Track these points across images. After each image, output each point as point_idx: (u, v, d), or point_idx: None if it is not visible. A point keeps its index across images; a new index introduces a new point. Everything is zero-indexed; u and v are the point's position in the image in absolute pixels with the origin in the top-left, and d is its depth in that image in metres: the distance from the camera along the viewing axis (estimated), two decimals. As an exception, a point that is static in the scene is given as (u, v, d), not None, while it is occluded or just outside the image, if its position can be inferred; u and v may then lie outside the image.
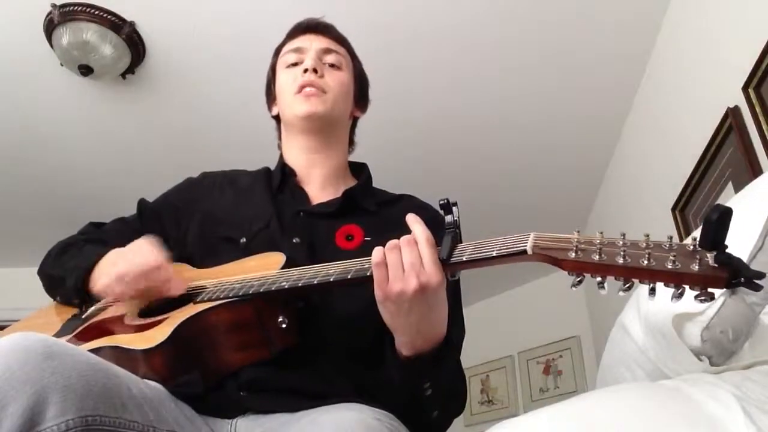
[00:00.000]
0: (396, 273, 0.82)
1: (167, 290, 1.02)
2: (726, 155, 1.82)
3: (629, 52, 2.37)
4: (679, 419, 0.68)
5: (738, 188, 1.61)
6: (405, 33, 2.29)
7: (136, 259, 1.00)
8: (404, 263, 0.82)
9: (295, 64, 1.22)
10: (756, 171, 1.61)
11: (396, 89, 2.50)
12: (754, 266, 0.82)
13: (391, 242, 0.85)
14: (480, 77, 2.49)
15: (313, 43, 1.23)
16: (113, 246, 1.08)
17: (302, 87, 1.17)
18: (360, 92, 1.29)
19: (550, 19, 2.24)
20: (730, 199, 1.18)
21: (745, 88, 1.65)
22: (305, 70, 1.18)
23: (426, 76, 2.46)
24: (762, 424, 0.64)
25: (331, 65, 1.22)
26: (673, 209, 2.21)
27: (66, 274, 1.10)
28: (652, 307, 1.04)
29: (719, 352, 0.95)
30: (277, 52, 1.30)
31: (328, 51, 1.23)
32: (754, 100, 1.62)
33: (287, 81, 1.21)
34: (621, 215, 2.88)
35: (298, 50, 1.23)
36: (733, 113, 1.73)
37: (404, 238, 0.85)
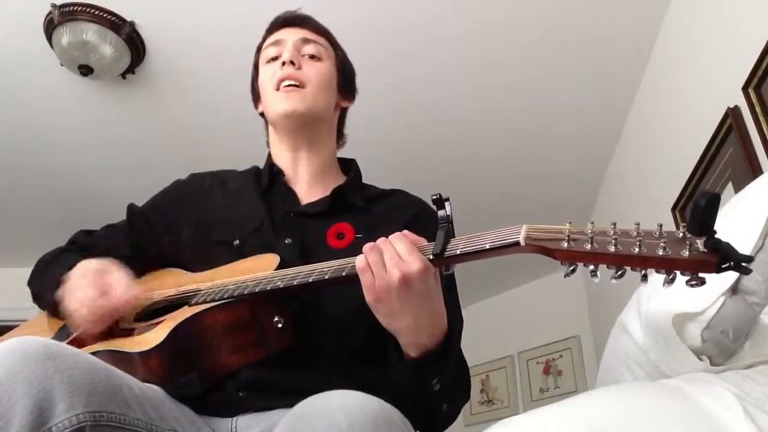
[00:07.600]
0: (379, 271, 0.83)
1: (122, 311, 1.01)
2: (726, 155, 1.82)
3: (627, 54, 2.37)
4: (680, 419, 0.68)
5: (738, 188, 1.61)
6: (401, 23, 2.29)
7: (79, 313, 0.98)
8: (385, 261, 0.83)
9: (275, 59, 1.21)
10: (756, 171, 1.61)
11: (396, 79, 2.50)
12: (754, 266, 0.82)
13: (368, 244, 0.85)
14: (479, 71, 2.49)
15: (291, 36, 1.22)
16: (99, 252, 1.09)
17: (281, 82, 1.16)
18: (345, 82, 1.26)
19: (550, 14, 2.24)
20: (730, 199, 1.18)
21: (745, 88, 1.65)
22: (283, 63, 1.17)
23: (423, 65, 2.45)
24: (762, 423, 0.64)
25: (311, 56, 1.20)
26: (674, 209, 2.21)
27: (43, 289, 1.10)
28: (652, 307, 1.04)
29: (720, 351, 0.95)
30: (259, 49, 1.28)
31: (306, 41, 1.21)
32: (754, 100, 1.62)
33: (267, 77, 1.20)
34: (621, 215, 2.88)
35: (276, 43, 1.22)
36: (733, 113, 1.73)
37: (380, 239, 0.86)
